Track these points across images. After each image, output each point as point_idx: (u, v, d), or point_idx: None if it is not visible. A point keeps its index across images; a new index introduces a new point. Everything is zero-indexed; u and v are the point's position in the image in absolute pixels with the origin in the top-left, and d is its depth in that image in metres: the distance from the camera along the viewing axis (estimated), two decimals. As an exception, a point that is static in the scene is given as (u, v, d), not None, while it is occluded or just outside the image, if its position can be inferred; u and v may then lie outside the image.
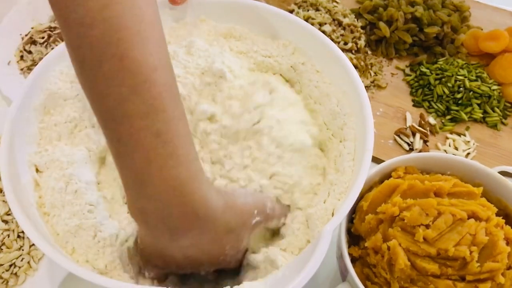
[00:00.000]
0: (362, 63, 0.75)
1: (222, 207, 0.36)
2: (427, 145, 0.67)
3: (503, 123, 0.71)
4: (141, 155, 0.32)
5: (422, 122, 0.69)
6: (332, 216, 0.41)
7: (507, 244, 0.41)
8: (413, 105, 0.72)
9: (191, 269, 0.40)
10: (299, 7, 0.80)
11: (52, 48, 0.68)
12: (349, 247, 0.45)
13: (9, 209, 0.54)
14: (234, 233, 0.38)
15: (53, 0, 0.31)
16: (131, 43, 0.31)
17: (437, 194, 0.44)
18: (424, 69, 0.74)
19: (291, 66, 0.52)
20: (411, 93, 0.74)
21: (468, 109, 0.70)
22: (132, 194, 0.35)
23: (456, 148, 0.67)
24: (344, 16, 0.78)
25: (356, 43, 0.76)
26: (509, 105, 0.72)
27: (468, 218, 0.41)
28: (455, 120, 0.70)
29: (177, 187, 0.33)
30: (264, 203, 0.41)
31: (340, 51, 0.49)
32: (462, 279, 0.41)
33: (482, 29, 0.81)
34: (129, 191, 0.35)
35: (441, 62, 0.75)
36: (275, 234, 0.45)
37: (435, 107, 0.71)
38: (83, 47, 0.31)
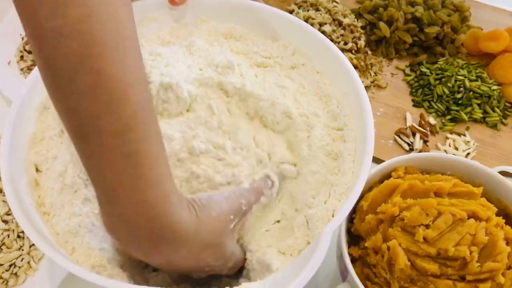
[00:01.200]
0: (362, 63, 0.75)
1: (194, 225, 0.35)
2: (427, 145, 0.67)
3: (503, 123, 0.71)
4: (111, 175, 0.32)
5: (422, 122, 0.69)
6: (333, 217, 0.41)
7: (507, 244, 0.41)
8: (413, 105, 0.72)
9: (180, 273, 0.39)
10: (299, 7, 0.80)
11: (52, 48, 0.68)
12: (349, 247, 0.45)
13: (9, 209, 0.54)
14: (211, 246, 0.37)
15: (23, 6, 0.29)
16: (110, 58, 0.30)
17: (437, 194, 0.44)
18: (424, 69, 0.74)
19: (291, 67, 0.52)
20: (411, 93, 0.74)
21: (468, 109, 0.70)
22: (104, 209, 0.34)
23: (456, 148, 0.67)
24: (344, 16, 0.78)
25: (356, 43, 0.76)
26: (509, 105, 0.72)
27: (468, 218, 0.41)
28: (455, 120, 0.70)
29: (144, 210, 0.32)
30: (239, 204, 0.40)
31: (340, 52, 0.49)
32: (462, 279, 0.41)
33: (482, 29, 0.81)
34: (101, 206, 0.34)
35: (441, 62, 0.75)
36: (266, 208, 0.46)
37: (435, 107, 0.71)
38: (58, 59, 0.29)
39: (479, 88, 0.71)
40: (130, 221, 0.33)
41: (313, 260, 0.36)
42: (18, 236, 0.55)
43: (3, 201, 0.57)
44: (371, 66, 0.76)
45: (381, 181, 0.47)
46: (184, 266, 0.37)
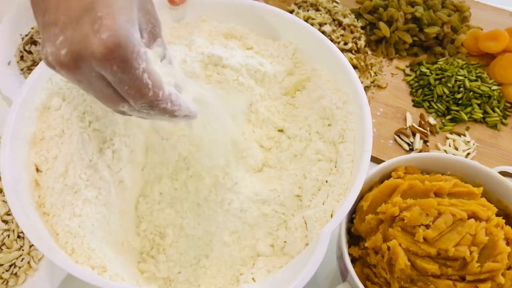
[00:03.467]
0: (362, 63, 0.75)
1: None
2: (427, 145, 0.67)
3: (503, 123, 0.71)
4: None
5: (422, 122, 0.69)
6: (331, 217, 0.41)
7: (507, 244, 0.41)
8: (413, 105, 0.72)
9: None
10: (299, 7, 0.80)
11: (52, 48, 0.68)
12: (349, 247, 0.45)
13: (9, 209, 0.54)
14: None
15: None
16: None
17: (437, 194, 0.44)
18: (424, 69, 0.74)
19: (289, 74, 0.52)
20: (411, 93, 0.74)
21: (468, 109, 0.70)
22: None
23: (456, 148, 0.67)
24: (344, 16, 0.78)
25: (356, 43, 0.76)
26: (509, 105, 0.72)
27: (468, 218, 0.41)
28: (455, 120, 0.70)
29: None
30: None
31: (340, 52, 0.49)
32: (462, 279, 0.41)
33: (482, 29, 0.81)
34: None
35: (441, 62, 0.75)
36: None
37: (435, 107, 0.71)
38: None
39: (479, 88, 0.71)
40: None
41: (312, 260, 0.36)
42: (18, 236, 0.55)
43: (3, 201, 0.57)
44: (371, 66, 0.76)
45: (381, 181, 0.47)
46: None
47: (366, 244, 0.44)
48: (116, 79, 0.30)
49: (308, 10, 0.79)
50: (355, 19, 0.79)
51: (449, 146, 0.67)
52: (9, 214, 0.56)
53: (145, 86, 0.31)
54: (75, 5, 0.30)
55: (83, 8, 0.29)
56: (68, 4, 0.30)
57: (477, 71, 0.73)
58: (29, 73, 0.52)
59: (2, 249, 0.54)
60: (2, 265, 0.53)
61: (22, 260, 0.53)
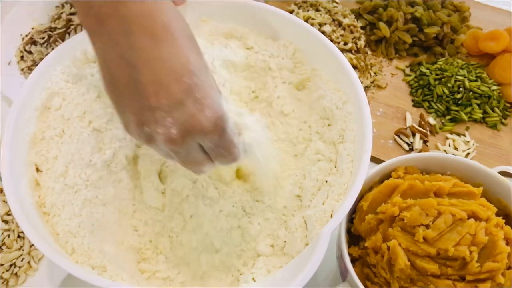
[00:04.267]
0: (362, 63, 0.75)
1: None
2: (427, 145, 0.67)
3: (503, 123, 0.71)
4: None
5: (422, 122, 0.70)
6: (331, 217, 0.41)
7: (507, 244, 0.41)
8: (413, 105, 0.72)
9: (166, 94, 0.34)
10: (299, 8, 0.80)
11: (53, 49, 0.68)
12: (349, 247, 0.45)
13: (9, 209, 0.54)
14: (192, 41, 0.36)
15: None
16: None
17: (437, 194, 0.44)
18: (424, 69, 0.74)
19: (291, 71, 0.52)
20: (411, 93, 0.74)
21: (468, 109, 0.70)
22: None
23: (456, 148, 0.67)
24: (344, 17, 0.78)
25: (356, 44, 0.76)
26: (508, 105, 0.72)
27: (468, 218, 0.41)
28: (455, 120, 0.70)
29: None
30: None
31: (340, 52, 0.49)
32: (462, 279, 0.41)
33: (482, 29, 0.81)
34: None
35: (441, 62, 0.75)
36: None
37: (435, 107, 0.71)
38: None
39: (479, 88, 0.71)
40: None
41: (312, 260, 0.36)
42: (19, 236, 0.55)
43: (3, 201, 0.57)
44: (371, 66, 0.76)
45: (381, 181, 0.47)
46: (164, 57, 0.34)
47: (366, 244, 0.44)
48: (213, 145, 0.36)
49: (308, 10, 0.79)
50: (355, 19, 0.79)
51: (449, 146, 0.67)
52: (9, 214, 0.56)
53: (234, 146, 0.37)
54: (175, 90, 0.33)
55: (182, 91, 0.33)
56: (167, 90, 0.33)
57: (477, 71, 0.73)
58: (29, 73, 0.52)
59: (2, 249, 0.54)
60: (2, 265, 0.53)
61: (22, 260, 0.53)
